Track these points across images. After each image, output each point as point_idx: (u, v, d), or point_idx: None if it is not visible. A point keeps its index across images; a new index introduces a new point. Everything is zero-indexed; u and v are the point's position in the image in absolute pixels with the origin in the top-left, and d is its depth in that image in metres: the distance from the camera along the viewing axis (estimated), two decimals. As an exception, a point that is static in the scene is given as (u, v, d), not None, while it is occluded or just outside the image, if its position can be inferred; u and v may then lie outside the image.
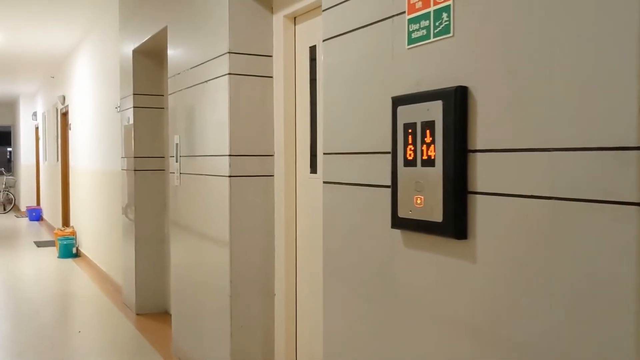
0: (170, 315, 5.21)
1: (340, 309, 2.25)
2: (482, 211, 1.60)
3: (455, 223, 1.64)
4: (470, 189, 1.63)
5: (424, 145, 1.73)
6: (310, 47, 3.15)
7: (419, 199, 1.77)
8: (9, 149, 20.79)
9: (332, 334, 2.31)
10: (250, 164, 3.33)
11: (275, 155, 3.37)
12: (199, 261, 3.76)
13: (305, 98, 3.21)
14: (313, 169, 3.17)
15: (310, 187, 3.19)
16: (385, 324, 1.98)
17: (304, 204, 3.26)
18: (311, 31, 3.14)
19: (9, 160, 20.49)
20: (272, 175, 3.39)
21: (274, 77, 3.35)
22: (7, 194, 16.08)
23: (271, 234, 3.38)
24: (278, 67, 3.31)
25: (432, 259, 1.78)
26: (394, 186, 1.88)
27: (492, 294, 1.57)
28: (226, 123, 3.29)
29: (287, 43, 3.27)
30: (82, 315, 5.60)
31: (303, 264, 3.27)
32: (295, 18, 3.27)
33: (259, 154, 3.35)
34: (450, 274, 1.70)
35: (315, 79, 3.13)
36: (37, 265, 8.11)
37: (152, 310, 5.33)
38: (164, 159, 5.39)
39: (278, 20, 3.30)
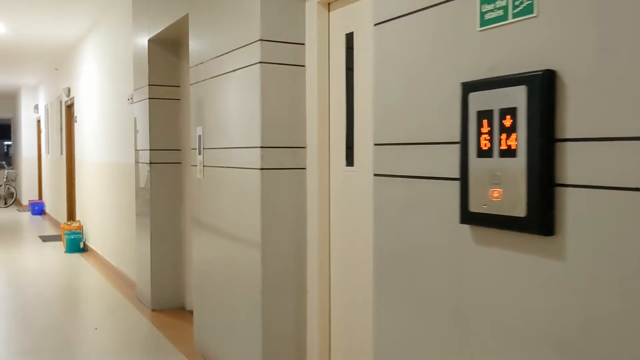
0: (188, 311, 5.10)
1: (393, 315, 2.13)
2: (572, 205, 1.48)
3: (541, 218, 1.52)
4: (557, 181, 1.51)
5: (503, 134, 1.61)
6: (346, 34, 3.02)
7: (495, 192, 1.65)
8: (6, 143, 20.61)
9: (384, 345, 2.19)
10: (282, 156, 3.21)
11: (308, 147, 3.24)
12: (226, 257, 3.64)
13: (340, 88, 3.08)
14: (349, 161, 3.04)
15: (346, 180, 3.07)
16: (450, 334, 1.87)
17: (338, 198, 3.14)
18: (347, 18, 3.01)
19: (7, 154, 20.32)
20: (305, 168, 3.26)
21: (306, 66, 3.22)
22: (9, 187, 15.92)
23: (303, 229, 3.26)
24: (311, 55, 3.18)
25: (509, 257, 1.66)
26: (463, 179, 1.76)
27: (584, 297, 1.45)
28: (257, 113, 3.16)
29: (320, 30, 3.14)
30: (95, 310, 5.48)
31: (337, 260, 3.16)
32: (329, 4, 3.14)
33: (290, 146, 3.22)
34: (532, 273, 1.58)
35: (351, 68, 3.00)
36: (44, 260, 7.98)
37: (168, 307, 5.22)
38: (180, 151, 5.26)
39: (311, 6, 3.17)
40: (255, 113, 3.19)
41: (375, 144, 2.21)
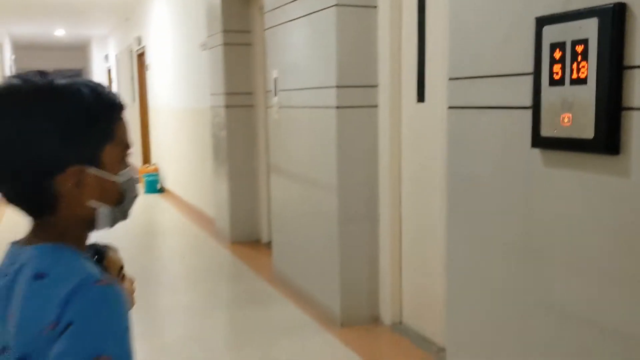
0: (263, 244, 5.49)
1: (466, 234, 2.35)
2: (637, 126, 1.64)
3: (607, 139, 1.69)
4: (624, 105, 1.67)
5: (575, 64, 1.76)
6: (418, -26, 3.14)
7: (566, 117, 1.81)
8: None
9: (456, 262, 2.42)
10: (356, 95, 3.41)
11: (380, 85, 3.43)
12: (303, 191, 3.92)
13: (411, 26, 3.23)
14: (420, 97, 3.22)
15: (417, 115, 3.25)
16: (519, 245, 2.07)
17: (409, 133, 3.34)
18: (419, -42, 3.12)
19: None
20: (377, 106, 3.46)
21: (379, 6, 3.36)
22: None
23: (375, 163, 3.48)
24: (383, -4, 3.32)
25: (576, 177, 1.83)
26: (536, 106, 1.93)
27: (647, 206, 1.62)
28: (333, 54, 3.35)
29: (393, -29, 3.27)
30: (179, 243, 5.95)
31: (408, 191, 3.38)
32: (401, -55, 3.25)
33: (364, 85, 3.41)
34: (598, 190, 1.76)
35: (423, 7, 3.14)
36: (126, 200, 8.57)
37: (245, 239, 5.61)
38: (252, 94, 5.53)
39: (384, -52, 3.29)
40: (331, 54, 3.38)
41: (450, 78, 2.38)
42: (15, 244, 1.01)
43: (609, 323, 1.74)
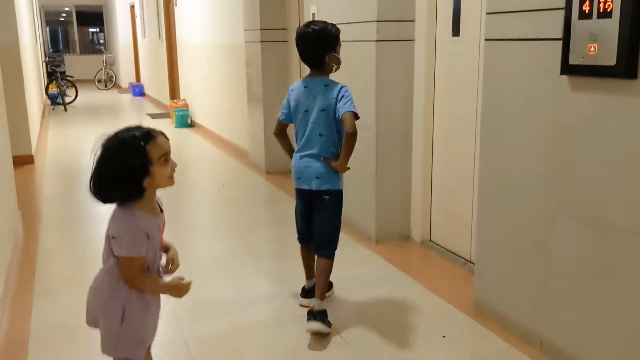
0: (296, 173, 5.85)
1: (498, 156, 2.66)
2: (654, 54, 1.91)
3: (628, 65, 1.97)
4: (644, 35, 1.93)
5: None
6: None
7: (592, 47, 2.09)
8: (91, 30, 21.40)
9: (487, 182, 2.74)
10: (394, 29, 3.65)
11: (417, 19, 3.66)
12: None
13: (448, -36, 3.43)
14: (455, 31, 3.46)
15: (452, 49, 3.50)
16: (548, 159, 2.38)
17: (443, 66, 3.60)
18: None
19: (92, 41, 21.20)
20: (413, 40, 3.70)
21: (417, -56, 3.56)
22: (108, 71, 17.06)
23: (410, 95, 3.76)
24: None
25: (601, 100, 2.12)
26: (566, 37, 2.20)
27: (659, 122, 1.92)
28: (373, -10, 3.58)
29: None
30: (217, 172, 6.33)
31: (440, 120, 3.67)
32: None
33: (401, 19, 3.65)
34: (619, 110, 2.05)
35: (460, -55, 3.34)
36: (158, 133, 8.93)
37: (278, 170, 5.96)
38: (286, 30, 5.76)
39: None
40: (371, -10, 3.61)
41: (488, 13, 2.64)
42: None
43: (620, 224, 2.08)
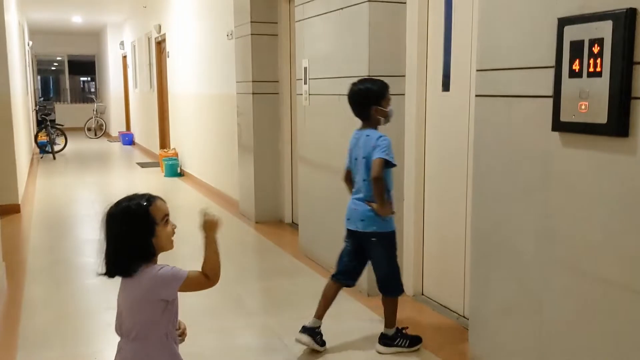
0: (286, 223, 5.83)
1: (490, 209, 2.67)
2: (644, 113, 1.95)
3: (618, 123, 2.00)
4: (634, 95, 1.97)
5: (591, 59, 2.07)
6: (446, -27, 3.43)
7: (583, 105, 2.12)
8: (82, 79, 21.54)
9: (480, 235, 2.74)
10: (385, 83, 3.71)
11: (407, 75, 3.73)
12: (331, 176, 4.23)
13: (439, 22, 3.52)
14: (445, 87, 3.52)
15: (442, 104, 3.55)
16: (541, 213, 2.39)
17: (434, 119, 3.64)
18: (447, -41, 3.41)
19: (83, 89, 21.32)
20: (403, 94, 3.76)
21: (407, 2, 3.66)
22: (98, 120, 17.12)
23: (402, 149, 3.79)
24: (412, -7, 3.62)
25: (590, 156, 2.15)
26: (556, 95, 2.24)
27: (651, 180, 1.94)
28: (365, 46, 3.66)
29: (421, -30, 3.56)
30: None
31: (431, 174, 3.69)
32: (430, -53, 3.54)
33: (392, 75, 3.71)
34: (610, 167, 2.07)
35: (450, 3, 3.43)
36: (148, 182, 8.90)
37: (269, 219, 5.94)
38: (278, 82, 5.84)
39: (414, -51, 3.58)
40: (362, 46, 3.68)
41: (478, 70, 2.69)
42: None
43: (612, 277, 2.07)
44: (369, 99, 2.98)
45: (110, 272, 1.76)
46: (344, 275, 3.13)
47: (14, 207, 6.43)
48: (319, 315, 3.08)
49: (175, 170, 9.32)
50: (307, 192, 4.74)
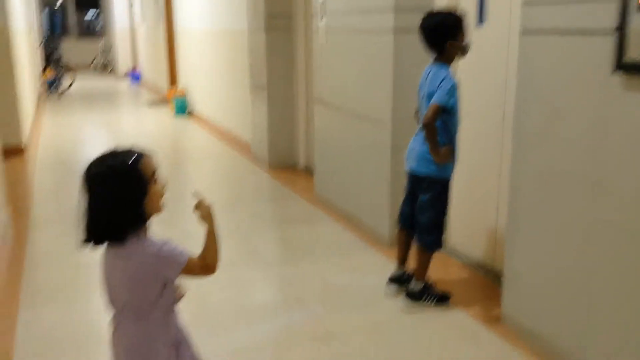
0: (300, 168, 5.60)
1: (533, 154, 2.40)
2: None
3: (699, 64, 1.71)
4: None
5: (670, -13, 1.75)
6: None
7: (655, 42, 1.82)
8: (88, 14, 20.93)
9: (520, 187, 2.49)
10: (414, 18, 3.37)
11: (436, 7, 3.38)
12: (352, 120, 3.95)
13: (474, -53, 3.15)
14: (480, 20, 3.18)
15: (477, 38, 3.22)
16: (594, 164, 2.13)
17: (467, 56, 3.31)
18: None
19: (88, 27, 20.74)
20: (432, 29, 3.42)
21: None
22: (105, 57, 16.71)
23: (429, 88, 3.49)
24: None
25: (660, 101, 1.86)
26: (621, 31, 1.93)
27: None
28: (391, -25, 3.30)
29: None
30: (217, 165, 6.06)
31: (464, 115, 3.39)
32: None
33: (420, 7, 3.36)
34: (684, 114, 1.79)
35: None
36: (157, 122, 8.65)
37: (283, 164, 5.70)
38: (291, 19, 5.46)
39: None
40: (388, -25, 3.32)
41: (525, 3, 2.36)
42: None
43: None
44: (443, 33, 2.71)
45: (97, 239, 1.52)
46: (403, 220, 2.98)
47: (18, 149, 6.21)
48: (400, 262, 3.01)
49: (184, 109, 9.04)
50: (324, 136, 4.48)
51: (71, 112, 9.73)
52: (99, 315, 2.84)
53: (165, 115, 9.16)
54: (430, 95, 2.70)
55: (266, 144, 5.72)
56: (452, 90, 2.65)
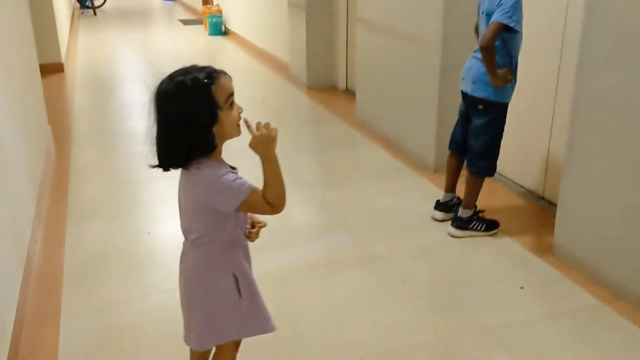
0: (340, 90, 5.45)
1: (598, 70, 2.24)
2: None
3: None
4: None
5: None
6: None
7: None
8: None
9: (585, 90, 2.33)
10: None
11: None
12: (397, 43, 3.75)
13: None
14: None
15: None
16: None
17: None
18: None
19: None
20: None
21: None
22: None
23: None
24: None
25: None
26: None
27: None
28: None
29: None
30: (255, 86, 5.94)
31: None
32: None
33: None
34: None
35: None
36: (191, 41, 8.49)
37: (321, 86, 5.56)
38: None
39: None
40: None
41: None
42: None
43: None
44: None
45: (163, 164, 1.40)
46: (454, 145, 2.86)
47: (57, 66, 6.18)
48: (447, 188, 2.94)
49: (219, 29, 8.84)
50: (366, 58, 4.30)
51: (106, 30, 9.62)
52: (141, 230, 2.87)
53: (199, 34, 8.98)
54: (490, 13, 2.48)
55: (304, 65, 5.56)
56: (515, 8, 2.43)
